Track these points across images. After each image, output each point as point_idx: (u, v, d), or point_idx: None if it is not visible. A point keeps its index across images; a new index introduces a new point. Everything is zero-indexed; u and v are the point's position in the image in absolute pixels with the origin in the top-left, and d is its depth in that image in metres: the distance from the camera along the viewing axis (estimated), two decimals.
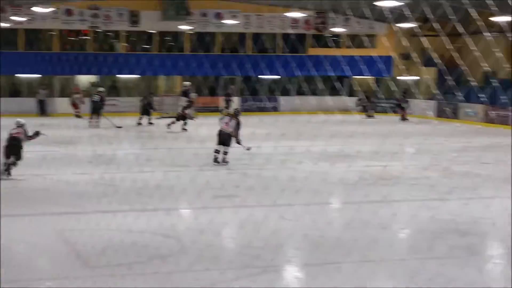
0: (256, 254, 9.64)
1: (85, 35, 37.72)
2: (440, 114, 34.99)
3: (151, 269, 9.06)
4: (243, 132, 18.52)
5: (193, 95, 32.46)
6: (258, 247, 10.00)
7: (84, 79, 37.67)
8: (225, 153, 17.98)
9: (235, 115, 18.39)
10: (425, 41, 34.54)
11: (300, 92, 38.17)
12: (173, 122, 27.10)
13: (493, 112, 31.90)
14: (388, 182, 15.57)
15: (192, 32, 37.89)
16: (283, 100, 38.72)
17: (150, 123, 29.93)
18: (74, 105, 33.65)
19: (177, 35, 38.18)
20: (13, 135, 15.88)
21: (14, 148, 15.64)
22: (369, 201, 13.36)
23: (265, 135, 22.18)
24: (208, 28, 37.90)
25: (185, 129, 27.10)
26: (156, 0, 36.25)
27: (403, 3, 18.78)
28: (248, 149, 18.35)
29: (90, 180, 15.27)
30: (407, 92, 35.30)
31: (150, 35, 38.37)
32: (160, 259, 9.44)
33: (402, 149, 20.40)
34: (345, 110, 34.95)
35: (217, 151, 17.92)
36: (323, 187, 14.66)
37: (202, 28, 37.71)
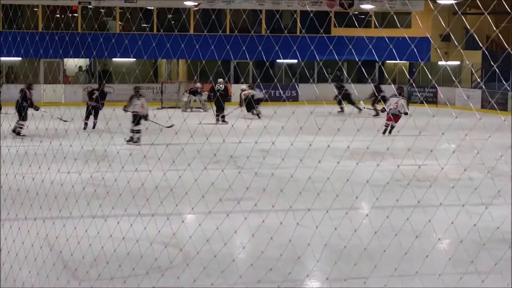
0: None
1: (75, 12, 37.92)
2: (485, 105, 34.89)
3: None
4: None
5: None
6: None
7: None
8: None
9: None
10: (468, 20, 34.52)
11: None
12: None
13: None
14: (423, 184, 15.49)
15: (197, 9, 37.79)
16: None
17: None
18: None
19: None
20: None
21: None
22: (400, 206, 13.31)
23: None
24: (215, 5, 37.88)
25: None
26: None
27: None
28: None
29: None
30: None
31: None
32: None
33: (438, 146, 20.29)
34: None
35: None
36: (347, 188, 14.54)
37: (208, 4, 37.60)
